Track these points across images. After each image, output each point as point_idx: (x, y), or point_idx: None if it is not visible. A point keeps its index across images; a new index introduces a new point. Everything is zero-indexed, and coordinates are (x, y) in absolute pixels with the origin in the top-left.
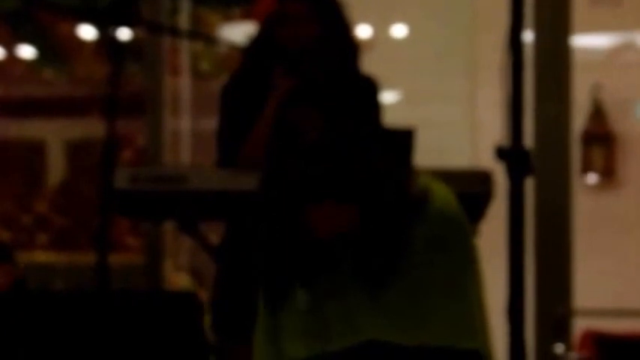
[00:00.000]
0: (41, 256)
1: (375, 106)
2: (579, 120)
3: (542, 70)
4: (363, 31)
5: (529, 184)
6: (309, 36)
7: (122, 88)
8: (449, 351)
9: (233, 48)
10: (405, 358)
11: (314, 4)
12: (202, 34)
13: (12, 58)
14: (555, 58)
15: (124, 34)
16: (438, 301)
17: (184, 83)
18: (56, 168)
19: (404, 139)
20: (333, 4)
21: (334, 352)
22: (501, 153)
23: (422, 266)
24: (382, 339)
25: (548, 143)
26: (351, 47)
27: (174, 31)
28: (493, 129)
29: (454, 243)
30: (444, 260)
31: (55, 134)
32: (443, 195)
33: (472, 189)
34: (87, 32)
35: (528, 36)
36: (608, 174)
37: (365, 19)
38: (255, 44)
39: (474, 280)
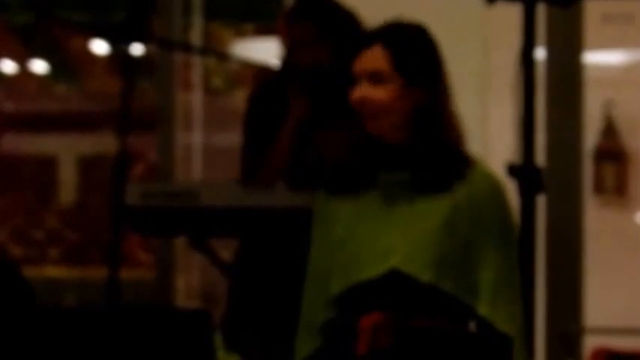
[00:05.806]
0: (52, 271)
1: None
2: (591, 137)
3: (554, 87)
4: None
5: (540, 201)
6: (320, 57)
7: (134, 104)
8: (459, 301)
9: (245, 64)
10: (417, 294)
11: (325, 25)
12: (214, 50)
13: (24, 73)
14: (567, 75)
15: (136, 49)
16: (461, 256)
17: (196, 99)
18: (68, 183)
19: None
20: (346, 23)
21: (362, 282)
22: (513, 170)
23: (459, 218)
24: (403, 270)
25: (560, 160)
26: None
27: (187, 47)
28: (505, 146)
29: (493, 211)
30: (482, 222)
31: (67, 149)
32: (488, 171)
33: None
34: (99, 48)
35: (540, 53)
36: (621, 191)
37: None
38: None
39: (504, 253)
